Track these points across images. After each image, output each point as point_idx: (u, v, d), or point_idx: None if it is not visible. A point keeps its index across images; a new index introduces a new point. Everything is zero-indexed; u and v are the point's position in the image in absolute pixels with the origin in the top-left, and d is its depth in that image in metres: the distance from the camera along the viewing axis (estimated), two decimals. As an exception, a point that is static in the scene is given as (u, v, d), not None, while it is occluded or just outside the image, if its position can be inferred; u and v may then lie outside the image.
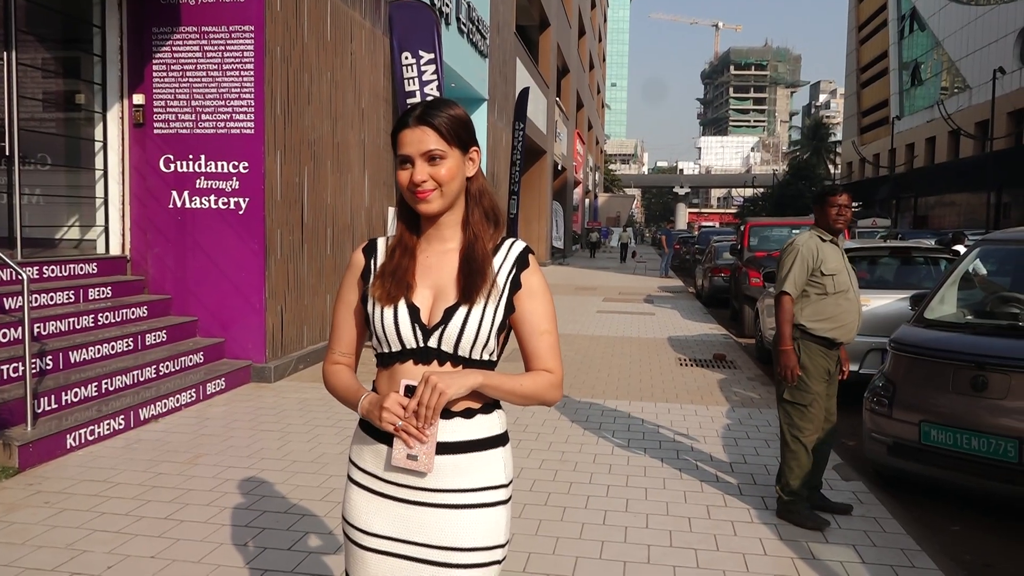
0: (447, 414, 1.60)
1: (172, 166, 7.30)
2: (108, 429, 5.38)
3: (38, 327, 5.72)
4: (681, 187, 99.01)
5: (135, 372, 6.09)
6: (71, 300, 6.37)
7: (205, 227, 7.29)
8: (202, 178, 7.27)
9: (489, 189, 1.71)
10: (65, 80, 7.72)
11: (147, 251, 7.40)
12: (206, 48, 7.22)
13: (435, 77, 10.51)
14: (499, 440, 1.66)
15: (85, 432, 5.16)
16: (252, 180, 7.20)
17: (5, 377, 5.16)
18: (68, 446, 5.00)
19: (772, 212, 60.20)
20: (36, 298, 5.96)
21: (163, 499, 4.25)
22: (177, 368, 6.61)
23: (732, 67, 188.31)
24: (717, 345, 10.49)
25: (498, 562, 1.63)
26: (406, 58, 10.49)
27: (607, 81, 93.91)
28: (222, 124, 7.23)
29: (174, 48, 7.27)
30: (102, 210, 7.36)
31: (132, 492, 4.35)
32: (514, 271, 1.65)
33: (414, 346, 1.61)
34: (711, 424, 6.18)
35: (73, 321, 6.10)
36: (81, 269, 6.78)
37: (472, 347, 1.60)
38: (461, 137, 1.62)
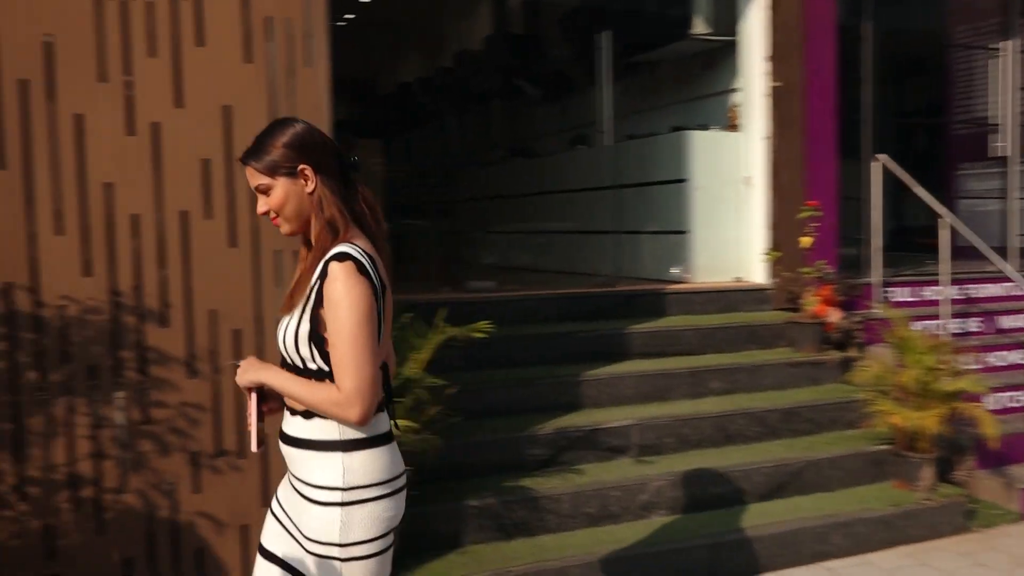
0: (292, 411, 2.05)
1: None
2: None
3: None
4: None
5: None
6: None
7: None
8: None
9: (330, 199, 2.02)
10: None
11: None
12: None
13: None
14: (336, 445, 1.99)
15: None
16: None
17: (1005, 406, 5.17)
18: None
19: None
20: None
21: None
22: None
23: None
24: None
25: (338, 559, 1.97)
26: None
27: None
28: None
29: None
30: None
31: None
32: (317, 283, 1.96)
33: None
34: None
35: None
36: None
37: (292, 355, 2.01)
38: (281, 166, 2.00)
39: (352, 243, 1.99)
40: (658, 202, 6.43)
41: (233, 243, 3.30)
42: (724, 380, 4.96)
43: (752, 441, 4.65)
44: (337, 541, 1.96)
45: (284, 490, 2.14)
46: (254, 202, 3.30)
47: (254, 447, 2.06)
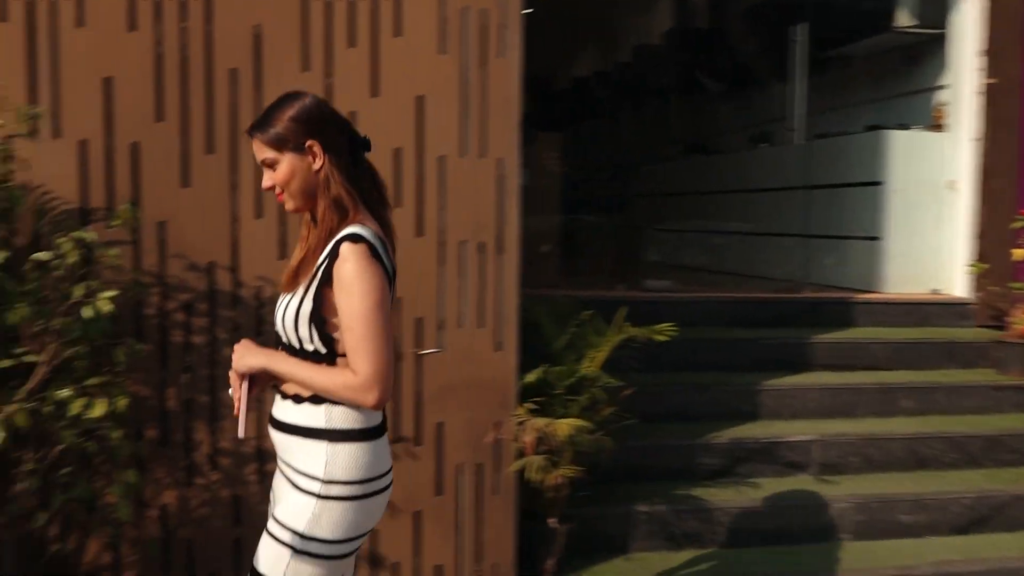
0: (283, 395, 1.99)
1: None
2: None
3: None
4: None
5: None
6: None
7: None
8: None
9: (337, 179, 1.94)
10: None
11: None
12: None
13: None
14: (322, 433, 1.92)
15: None
16: None
17: None
18: None
19: None
20: None
21: None
22: None
23: None
24: None
25: (293, 548, 1.90)
26: None
27: None
28: None
29: None
30: None
31: None
32: (326, 262, 1.90)
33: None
34: None
35: None
36: None
37: (290, 335, 1.95)
38: (288, 140, 1.93)
39: (364, 225, 1.93)
40: (850, 205, 6.06)
41: (420, 232, 3.31)
42: (917, 399, 4.60)
43: (948, 468, 4.29)
44: (302, 531, 1.90)
45: (277, 478, 2.10)
46: (439, 192, 3.38)
47: (242, 433, 2.01)
